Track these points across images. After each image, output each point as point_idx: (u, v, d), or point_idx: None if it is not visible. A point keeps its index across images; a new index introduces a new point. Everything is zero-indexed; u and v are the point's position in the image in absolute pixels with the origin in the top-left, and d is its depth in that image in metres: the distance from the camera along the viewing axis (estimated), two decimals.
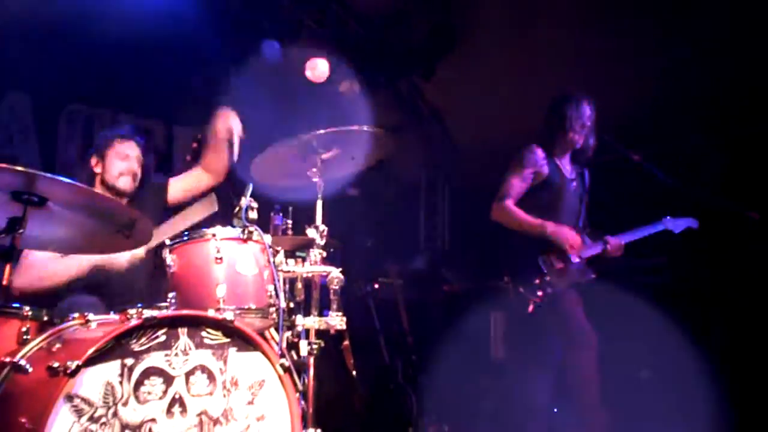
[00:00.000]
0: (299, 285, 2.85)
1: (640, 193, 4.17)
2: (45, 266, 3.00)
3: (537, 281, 3.66)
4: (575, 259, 3.68)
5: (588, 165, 3.96)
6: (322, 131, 2.83)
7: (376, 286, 4.88)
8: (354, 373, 3.98)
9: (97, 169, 3.32)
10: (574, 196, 3.89)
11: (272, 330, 2.97)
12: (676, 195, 3.90)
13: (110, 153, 3.32)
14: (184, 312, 2.33)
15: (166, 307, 2.48)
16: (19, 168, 2.07)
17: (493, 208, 3.79)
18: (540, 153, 3.79)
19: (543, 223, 3.67)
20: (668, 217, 3.95)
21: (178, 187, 3.49)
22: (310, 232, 2.83)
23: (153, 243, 2.73)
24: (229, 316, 2.33)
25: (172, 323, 2.23)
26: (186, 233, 2.70)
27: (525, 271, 3.70)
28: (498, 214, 3.77)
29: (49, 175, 2.12)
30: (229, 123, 3.29)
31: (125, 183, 3.30)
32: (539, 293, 3.64)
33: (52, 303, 2.87)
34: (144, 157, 3.44)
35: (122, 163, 3.32)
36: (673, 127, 4.60)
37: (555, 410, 4.06)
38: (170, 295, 2.56)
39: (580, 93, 3.81)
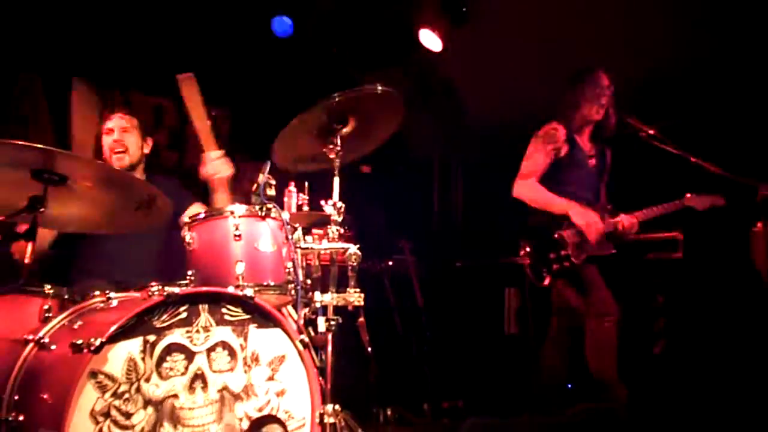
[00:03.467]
0: (316, 262, 2.85)
1: (660, 168, 4.12)
2: None
3: (553, 255, 3.65)
4: (592, 240, 3.65)
5: (609, 142, 3.91)
6: (337, 97, 2.76)
7: (391, 263, 4.89)
8: (369, 349, 4.00)
9: (105, 156, 3.33)
10: (592, 172, 3.85)
11: (289, 307, 2.98)
12: (694, 170, 3.85)
13: (103, 136, 3.34)
14: (205, 289, 2.34)
15: (186, 285, 2.49)
16: (39, 146, 2.07)
17: (517, 185, 3.76)
18: (561, 129, 3.76)
19: (569, 203, 3.65)
20: (690, 194, 3.84)
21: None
22: (328, 209, 2.82)
23: None
24: (249, 292, 2.34)
25: (193, 300, 2.24)
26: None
27: (542, 246, 3.69)
28: (522, 191, 3.74)
29: (68, 153, 2.12)
30: (211, 168, 3.22)
31: (117, 160, 3.28)
32: (555, 267, 3.64)
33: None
34: (142, 128, 3.39)
35: (109, 138, 3.30)
36: (695, 97, 4.52)
37: (569, 386, 4.07)
38: (189, 272, 2.57)
39: (596, 66, 3.77)
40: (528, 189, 3.73)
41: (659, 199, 3.85)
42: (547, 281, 3.65)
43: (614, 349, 3.55)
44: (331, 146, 2.86)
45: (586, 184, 3.83)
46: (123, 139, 3.31)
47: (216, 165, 3.21)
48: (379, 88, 2.79)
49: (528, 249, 3.74)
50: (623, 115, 3.83)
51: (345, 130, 2.90)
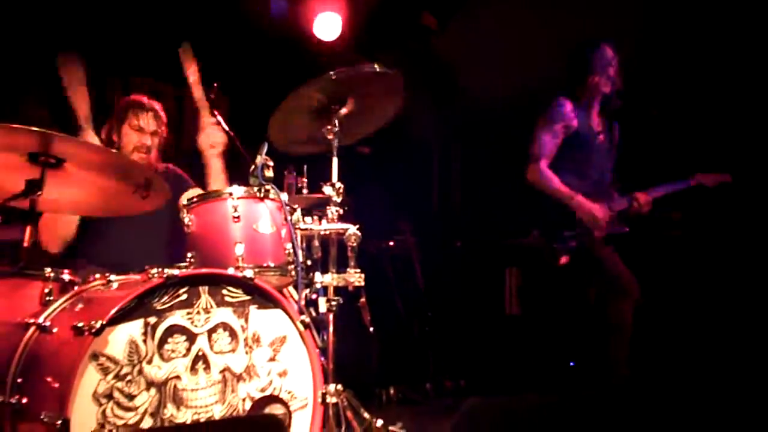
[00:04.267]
0: (316, 242, 2.85)
1: (664, 148, 4.09)
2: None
3: (567, 233, 3.62)
4: (598, 235, 3.62)
5: (617, 117, 3.86)
6: (332, 74, 2.73)
7: (391, 243, 4.89)
8: (371, 329, 4.01)
9: (115, 138, 3.30)
10: (601, 150, 3.78)
11: (290, 288, 2.99)
12: (697, 149, 3.83)
13: (125, 126, 3.29)
14: (205, 270, 2.34)
15: (186, 267, 2.49)
16: (36, 129, 2.06)
17: (528, 170, 3.69)
18: (568, 105, 3.68)
19: (573, 195, 3.59)
20: (700, 173, 3.82)
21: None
22: (327, 190, 2.81)
23: None
24: (249, 273, 2.34)
25: (193, 282, 2.24)
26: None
27: (556, 224, 3.65)
28: (533, 176, 3.68)
29: (66, 135, 2.11)
30: (209, 138, 3.25)
31: (140, 160, 3.25)
32: (572, 244, 3.60)
33: None
34: (163, 130, 3.38)
35: (136, 135, 3.28)
36: (697, 76, 4.47)
37: (572, 363, 4.09)
38: (189, 254, 2.57)
39: (600, 38, 3.72)
40: (537, 176, 3.66)
41: (660, 178, 3.84)
42: (564, 260, 3.60)
43: (628, 329, 3.50)
44: (329, 127, 2.85)
45: (596, 161, 3.76)
46: (150, 143, 3.30)
47: (214, 136, 3.22)
48: (377, 67, 2.77)
49: (539, 229, 3.70)
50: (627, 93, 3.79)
51: (343, 111, 2.89)
